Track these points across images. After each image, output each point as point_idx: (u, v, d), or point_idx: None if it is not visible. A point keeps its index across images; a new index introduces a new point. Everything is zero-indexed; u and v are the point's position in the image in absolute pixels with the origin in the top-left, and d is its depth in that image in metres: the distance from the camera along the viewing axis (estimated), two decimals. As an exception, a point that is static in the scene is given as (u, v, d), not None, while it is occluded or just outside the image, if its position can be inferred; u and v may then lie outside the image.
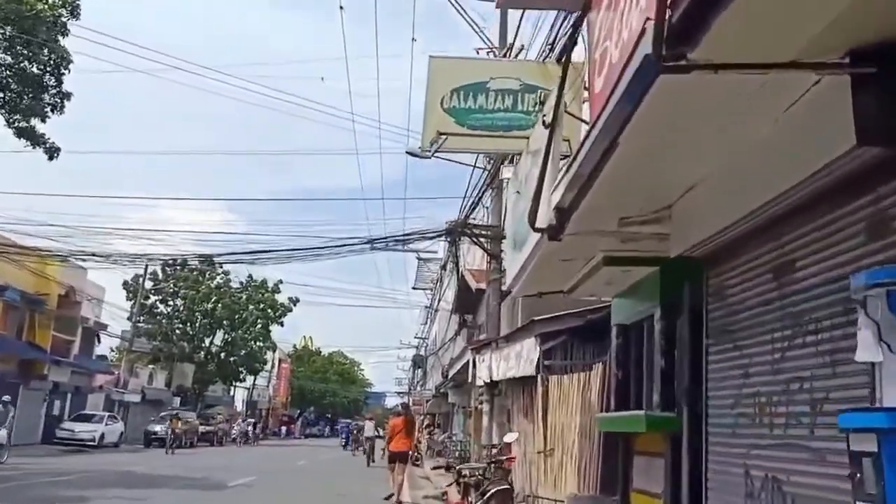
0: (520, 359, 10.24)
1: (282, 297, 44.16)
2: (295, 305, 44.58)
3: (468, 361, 16.18)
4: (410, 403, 48.36)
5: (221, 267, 42.00)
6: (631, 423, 6.03)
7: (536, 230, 5.31)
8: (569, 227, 5.10)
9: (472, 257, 21.21)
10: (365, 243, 16.17)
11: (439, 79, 6.58)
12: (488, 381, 13.08)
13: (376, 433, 25.94)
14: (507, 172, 8.34)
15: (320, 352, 77.23)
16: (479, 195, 14.83)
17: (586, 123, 5.39)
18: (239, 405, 55.95)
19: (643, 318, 6.33)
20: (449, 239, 16.30)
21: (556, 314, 9.61)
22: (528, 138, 6.21)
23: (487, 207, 15.84)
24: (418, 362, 44.27)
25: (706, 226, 4.64)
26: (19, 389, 24.90)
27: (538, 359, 9.49)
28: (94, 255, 16.37)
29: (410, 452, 14.44)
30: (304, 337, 75.77)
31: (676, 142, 3.93)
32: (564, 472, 7.55)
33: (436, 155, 16.79)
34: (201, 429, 33.69)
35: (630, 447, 6.57)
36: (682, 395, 5.57)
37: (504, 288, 6.81)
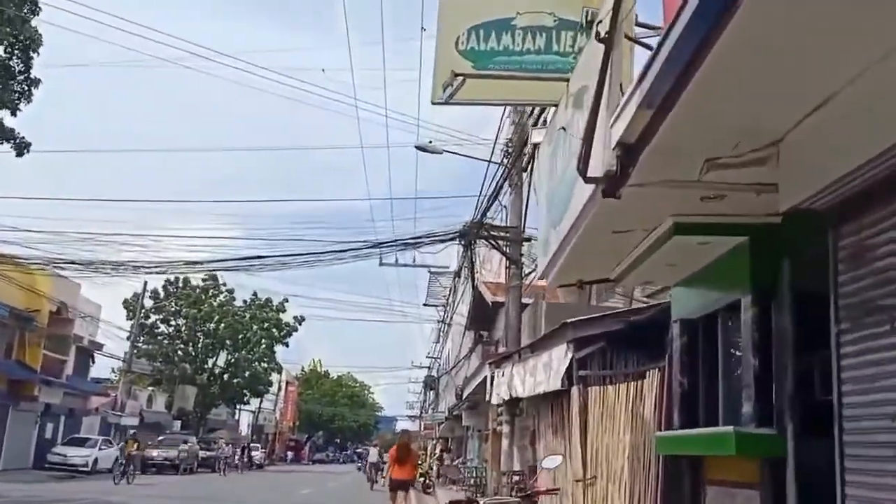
0: (549, 370, 8.81)
1: (287, 317, 42.89)
2: (301, 324, 43.26)
3: (485, 379, 14.72)
4: (421, 428, 46.74)
5: (225, 285, 40.99)
6: (711, 444, 4.60)
7: (588, 181, 3.96)
8: (634, 174, 3.75)
9: (490, 266, 19.78)
10: (371, 247, 14.85)
11: (452, 15, 5.31)
12: (509, 398, 11.62)
13: (380, 459, 26.47)
14: (537, 136, 7.02)
15: (328, 374, 75.51)
16: (500, 185, 13.52)
17: (649, 49, 4.06)
18: (244, 429, 54.37)
19: (718, 308, 4.94)
20: (463, 242, 14.97)
21: (593, 316, 8.21)
22: (567, 80, 4.89)
23: (506, 207, 14.50)
24: (430, 383, 42.53)
25: (840, 161, 3.27)
26: (8, 411, 23.62)
27: (571, 369, 8.05)
28: (73, 262, 15.12)
29: (413, 480, 13.86)
30: (313, 360, 74.18)
31: (817, 18, 2.57)
32: (612, 506, 6.10)
33: (446, 150, 15.58)
34: (201, 454, 32.16)
35: (701, 474, 5.13)
36: (785, 404, 4.16)
37: (536, 276, 5.41)
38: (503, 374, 12.19)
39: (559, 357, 8.39)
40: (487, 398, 13.59)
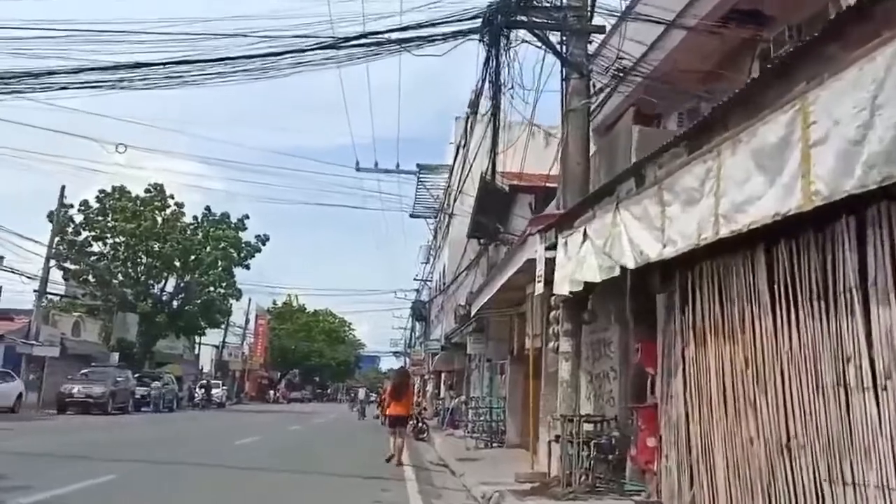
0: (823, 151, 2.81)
1: (248, 235, 36.67)
2: (264, 244, 37.08)
3: (527, 266, 8.83)
4: (408, 363, 41.31)
5: (172, 197, 34.45)
6: None
7: None
8: None
9: (508, 154, 12.53)
10: (327, 46, 8.61)
11: None
12: (616, 274, 5.73)
13: (367, 397, 33.81)
14: None
15: (304, 309, 69.52)
16: None
17: None
18: (206, 365, 48.77)
19: None
20: (486, 39, 8.75)
21: None
22: None
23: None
24: (419, 310, 36.61)
25: None
26: None
27: None
28: None
29: (409, 417, 13.44)
30: (288, 295, 67.77)
31: None
32: None
33: None
34: (140, 391, 26.54)
35: None
36: None
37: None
38: (583, 238, 6.27)
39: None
40: (538, 291, 7.72)
